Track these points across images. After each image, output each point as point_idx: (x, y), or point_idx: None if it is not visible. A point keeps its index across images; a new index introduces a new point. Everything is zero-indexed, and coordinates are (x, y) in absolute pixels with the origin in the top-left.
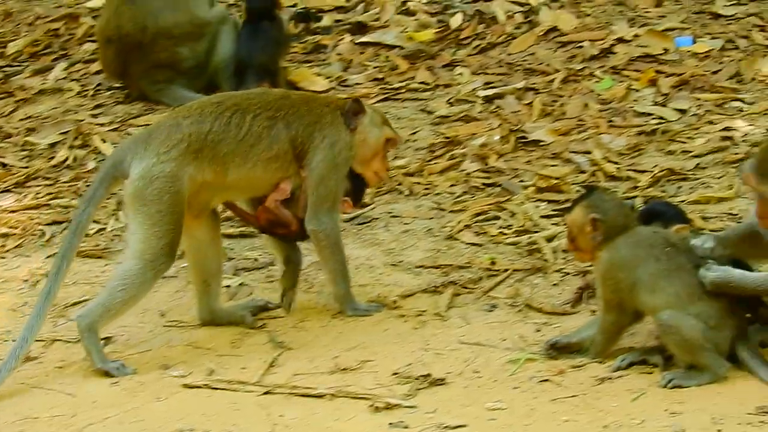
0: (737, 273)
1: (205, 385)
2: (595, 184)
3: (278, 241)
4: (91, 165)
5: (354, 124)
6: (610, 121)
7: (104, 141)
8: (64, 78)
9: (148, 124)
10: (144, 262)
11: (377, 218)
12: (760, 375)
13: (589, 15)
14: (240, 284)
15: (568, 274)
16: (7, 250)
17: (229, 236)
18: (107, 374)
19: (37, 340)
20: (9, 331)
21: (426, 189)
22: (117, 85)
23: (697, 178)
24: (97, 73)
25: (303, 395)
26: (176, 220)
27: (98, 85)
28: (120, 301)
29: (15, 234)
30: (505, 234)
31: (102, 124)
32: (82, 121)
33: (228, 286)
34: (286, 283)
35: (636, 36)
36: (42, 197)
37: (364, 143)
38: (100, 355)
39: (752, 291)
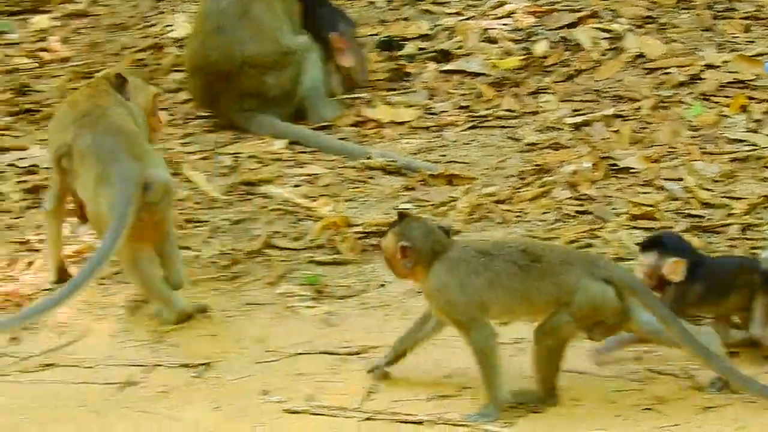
0: None
1: (305, 410)
2: (406, 211)
3: None
4: (182, 193)
5: (127, 95)
6: (702, 147)
7: (195, 169)
8: None
9: (237, 153)
10: None
11: None
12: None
13: (675, 41)
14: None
15: None
16: (105, 277)
17: (321, 263)
18: None
19: (138, 365)
20: (111, 356)
21: (517, 217)
22: (205, 113)
23: None
24: (185, 102)
25: (403, 422)
26: None
27: (187, 114)
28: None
29: (113, 261)
30: None
31: (192, 153)
32: (172, 149)
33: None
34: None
35: (725, 62)
36: None
37: (139, 107)
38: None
39: None
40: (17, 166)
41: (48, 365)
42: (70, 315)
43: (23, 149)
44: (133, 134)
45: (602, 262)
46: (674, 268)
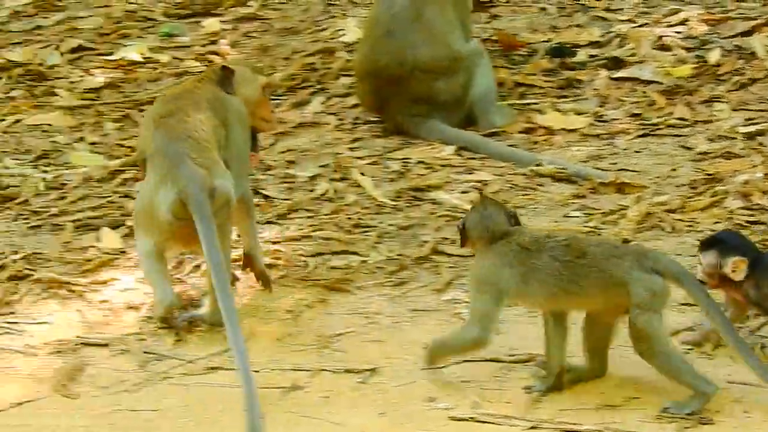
0: None
1: (471, 418)
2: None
3: None
4: (350, 198)
5: (232, 89)
6: None
7: (363, 174)
8: (321, 112)
9: (406, 159)
10: None
11: None
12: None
13: None
14: None
15: None
16: (271, 281)
17: None
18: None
19: (303, 370)
20: (276, 360)
21: (688, 226)
22: (374, 118)
23: None
24: (354, 106)
25: (569, 431)
26: None
27: (356, 118)
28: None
29: (279, 265)
30: None
31: (360, 158)
32: (341, 154)
33: None
34: None
35: None
36: (304, 229)
37: (246, 100)
38: None
39: None
40: None
41: (213, 368)
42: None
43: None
44: (204, 142)
45: (651, 254)
46: (736, 266)
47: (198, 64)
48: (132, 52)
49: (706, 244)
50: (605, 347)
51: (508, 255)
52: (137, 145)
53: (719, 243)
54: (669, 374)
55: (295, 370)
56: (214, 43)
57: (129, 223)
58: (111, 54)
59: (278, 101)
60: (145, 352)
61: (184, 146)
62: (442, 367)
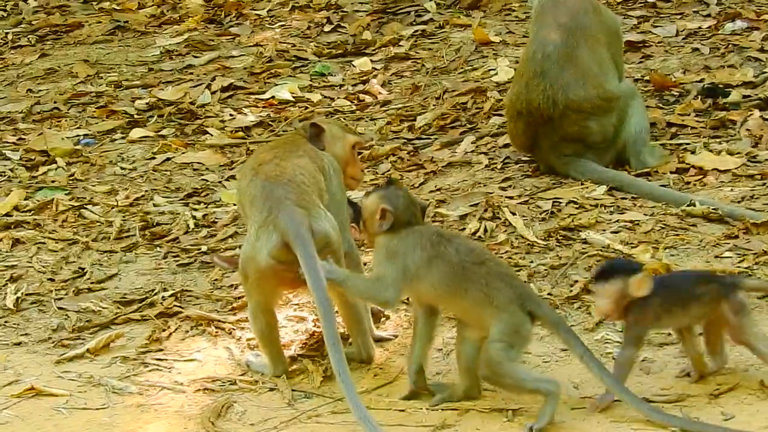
0: None
1: None
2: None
3: None
4: (501, 237)
5: (322, 145)
6: None
7: (513, 214)
8: (472, 151)
9: (557, 198)
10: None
11: None
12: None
13: None
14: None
15: None
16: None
17: None
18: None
19: (451, 409)
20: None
21: None
22: (525, 158)
23: None
24: (505, 146)
25: None
26: None
27: (506, 158)
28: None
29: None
30: None
31: (511, 197)
32: (491, 193)
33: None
34: None
35: None
36: None
37: (335, 157)
38: None
39: None
40: None
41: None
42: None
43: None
44: (303, 185)
45: (534, 296)
46: (641, 284)
47: (348, 103)
48: (283, 91)
49: (604, 274)
50: (476, 368)
51: (423, 237)
52: (237, 199)
53: (617, 269)
54: (515, 390)
55: (444, 410)
56: (364, 82)
57: None
58: (262, 93)
59: (428, 140)
60: (293, 390)
61: (284, 189)
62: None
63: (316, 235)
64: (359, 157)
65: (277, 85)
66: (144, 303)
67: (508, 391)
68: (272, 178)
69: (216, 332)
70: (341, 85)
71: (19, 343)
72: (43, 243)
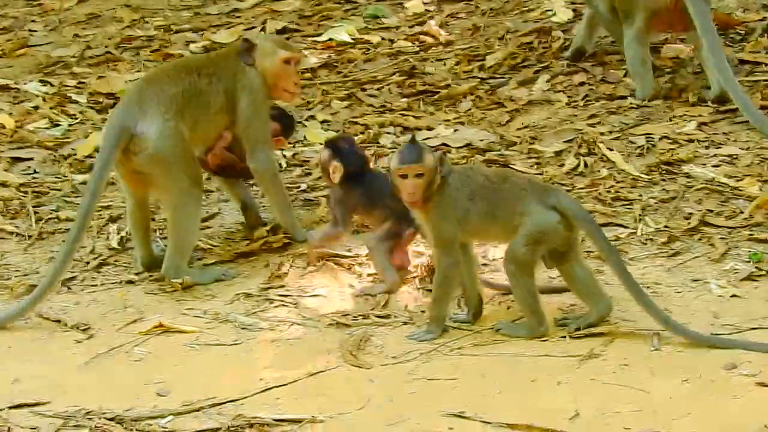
0: None
1: None
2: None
3: (233, 189)
4: (603, 172)
5: (250, 60)
6: None
7: (610, 149)
8: (548, 89)
9: (649, 134)
10: (184, 199)
11: None
12: None
13: None
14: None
15: None
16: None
17: (762, 241)
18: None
19: (594, 335)
20: (564, 328)
21: None
22: (606, 95)
23: None
24: (581, 84)
25: None
26: (192, 159)
27: (585, 96)
28: (188, 239)
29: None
30: None
31: (603, 133)
32: (581, 130)
33: None
34: (252, 223)
35: None
36: None
37: (266, 72)
38: (207, 278)
39: None
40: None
41: (497, 341)
42: None
43: (429, 129)
44: (166, 94)
45: (555, 191)
46: (335, 170)
47: (410, 44)
48: (341, 33)
49: (328, 142)
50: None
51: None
52: None
53: (334, 146)
54: (517, 298)
55: (588, 336)
56: (421, 24)
57: None
58: (317, 35)
59: (503, 80)
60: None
61: (144, 94)
62: (733, 334)
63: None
64: (297, 71)
65: (332, 27)
66: (253, 241)
67: (516, 299)
68: (147, 81)
69: (335, 268)
70: (397, 27)
71: (131, 281)
72: None
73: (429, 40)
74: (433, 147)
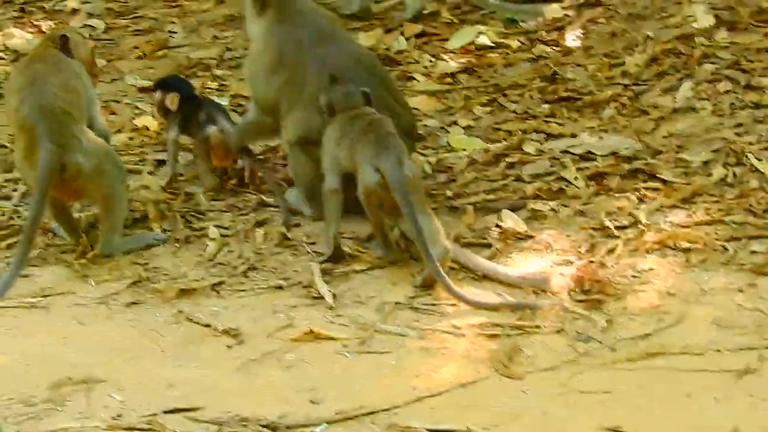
0: None
1: None
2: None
3: None
4: (753, 183)
5: (71, 53)
6: None
7: (759, 159)
8: (692, 97)
9: None
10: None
11: None
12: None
13: None
14: None
15: None
16: (693, 265)
17: None
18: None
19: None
20: (715, 342)
21: None
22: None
23: None
24: (726, 92)
25: None
26: None
27: (731, 104)
28: (120, 215)
29: (696, 248)
30: None
31: (750, 143)
32: (727, 139)
33: None
34: None
35: None
36: (713, 213)
37: (82, 61)
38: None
39: None
40: (571, 153)
41: (652, 354)
42: (665, 301)
43: (573, 136)
44: (63, 113)
45: (387, 154)
46: (172, 100)
47: (549, 49)
48: (482, 37)
49: (155, 85)
50: None
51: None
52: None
53: (164, 84)
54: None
55: (740, 349)
56: (559, 29)
57: (531, 206)
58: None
59: (646, 86)
60: (577, 332)
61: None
62: None
63: (69, 168)
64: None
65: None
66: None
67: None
68: (36, 108)
69: (475, 276)
70: (535, 32)
71: (280, 287)
72: None
73: (567, 45)
74: (577, 155)
